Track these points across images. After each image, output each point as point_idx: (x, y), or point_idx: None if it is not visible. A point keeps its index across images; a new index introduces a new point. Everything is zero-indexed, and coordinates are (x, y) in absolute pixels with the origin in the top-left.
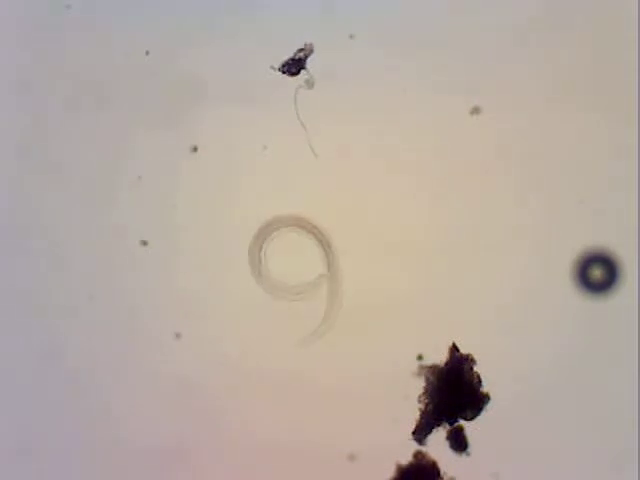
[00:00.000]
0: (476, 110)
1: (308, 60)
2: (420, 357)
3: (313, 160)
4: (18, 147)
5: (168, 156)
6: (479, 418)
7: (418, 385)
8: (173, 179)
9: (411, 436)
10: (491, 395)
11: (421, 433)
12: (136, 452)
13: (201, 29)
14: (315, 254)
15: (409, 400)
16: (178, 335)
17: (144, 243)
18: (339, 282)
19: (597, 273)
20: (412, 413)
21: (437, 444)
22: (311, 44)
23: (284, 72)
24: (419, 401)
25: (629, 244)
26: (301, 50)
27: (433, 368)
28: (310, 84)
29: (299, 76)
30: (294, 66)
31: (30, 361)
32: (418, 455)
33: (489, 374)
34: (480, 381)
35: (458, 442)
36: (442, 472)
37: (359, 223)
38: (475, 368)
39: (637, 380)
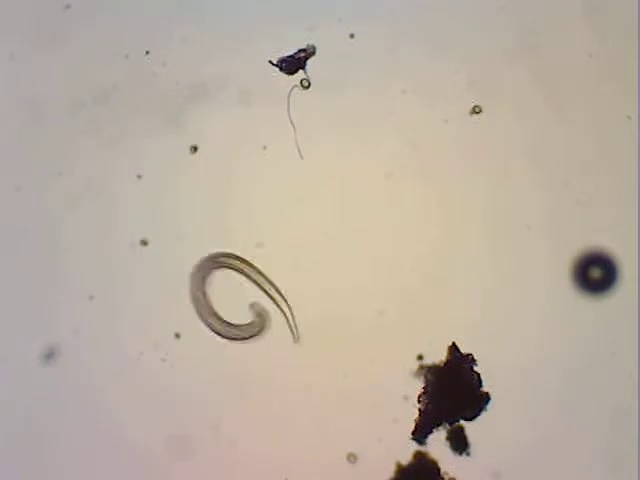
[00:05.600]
0: (476, 110)
1: (308, 61)
2: (420, 357)
3: (312, 161)
4: (18, 147)
5: (168, 156)
6: (479, 418)
7: (418, 385)
8: (173, 179)
9: (411, 436)
10: (491, 395)
11: (421, 433)
12: (136, 451)
13: (201, 29)
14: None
15: (409, 400)
16: (178, 335)
17: (144, 243)
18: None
19: (596, 273)
20: (412, 413)
21: (437, 444)
22: (313, 46)
23: (281, 69)
24: (419, 401)
25: (628, 244)
26: (302, 51)
27: (433, 368)
28: (306, 85)
29: (297, 76)
30: (292, 65)
31: (30, 361)
32: (418, 455)
33: (489, 374)
34: (480, 381)
35: (458, 442)
36: (442, 472)
37: (358, 224)
38: (475, 368)
39: (637, 380)
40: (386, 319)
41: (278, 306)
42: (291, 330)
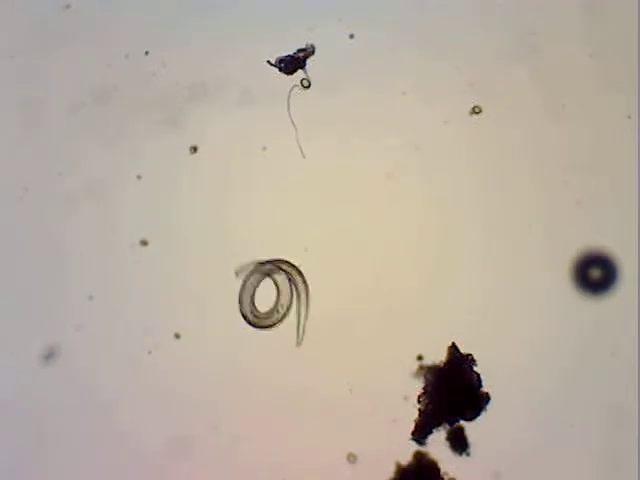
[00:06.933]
0: (476, 110)
1: (308, 61)
2: (420, 357)
3: (311, 161)
4: (18, 147)
5: (168, 156)
6: (479, 418)
7: (418, 385)
8: (173, 179)
9: (411, 436)
10: (491, 395)
11: (421, 433)
12: (136, 451)
13: (201, 29)
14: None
15: (409, 400)
16: (178, 335)
17: (144, 243)
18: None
19: (596, 273)
20: (412, 413)
21: (437, 444)
22: (312, 45)
23: (280, 69)
24: (419, 401)
25: (628, 244)
26: (302, 50)
27: (433, 368)
28: (306, 85)
29: (297, 76)
30: (291, 64)
31: (30, 361)
32: (418, 455)
33: (489, 374)
34: (480, 381)
35: (458, 442)
36: (442, 472)
37: (359, 224)
38: (475, 368)
39: (637, 380)
40: (386, 319)
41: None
42: (297, 333)
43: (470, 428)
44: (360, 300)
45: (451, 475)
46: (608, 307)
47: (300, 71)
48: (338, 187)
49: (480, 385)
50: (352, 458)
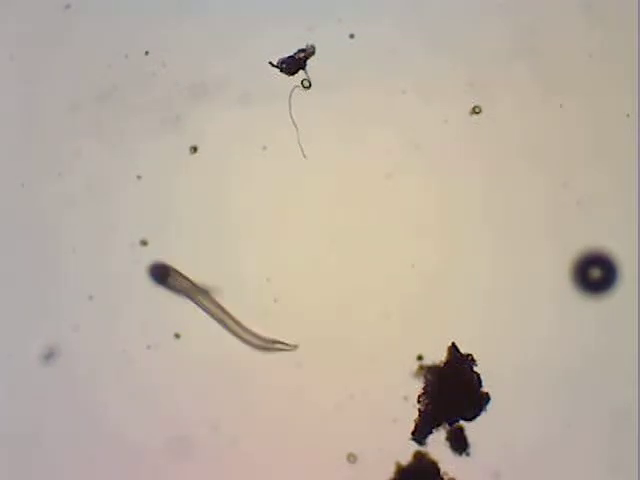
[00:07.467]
0: (476, 110)
1: (308, 61)
2: (420, 357)
3: (311, 161)
4: (18, 147)
5: (168, 156)
6: (479, 418)
7: (418, 385)
8: (173, 179)
9: (411, 436)
10: (491, 395)
11: (421, 433)
12: (136, 452)
13: (201, 29)
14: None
15: (409, 400)
16: (178, 335)
17: (144, 243)
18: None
19: (596, 273)
20: (412, 413)
21: (437, 444)
22: (313, 46)
23: (282, 70)
24: (419, 401)
25: (628, 244)
26: (302, 51)
27: (433, 368)
28: (307, 85)
29: (298, 76)
30: (292, 65)
31: (30, 361)
32: (418, 455)
33: (489, 374)
34: (480, 381)
35: (458, 442)
36: (442, 472)
37: (359, 224)
38: (475, 368)
39: (637, 380)
40: (386, 319)
41: None
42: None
43: (470, 428)
44: (360, 301)
45: (451, 475)
46: (608, 307)
47: (301, 71)
48: (338, 187)
49: (480, 385)
50: (352, 458)
